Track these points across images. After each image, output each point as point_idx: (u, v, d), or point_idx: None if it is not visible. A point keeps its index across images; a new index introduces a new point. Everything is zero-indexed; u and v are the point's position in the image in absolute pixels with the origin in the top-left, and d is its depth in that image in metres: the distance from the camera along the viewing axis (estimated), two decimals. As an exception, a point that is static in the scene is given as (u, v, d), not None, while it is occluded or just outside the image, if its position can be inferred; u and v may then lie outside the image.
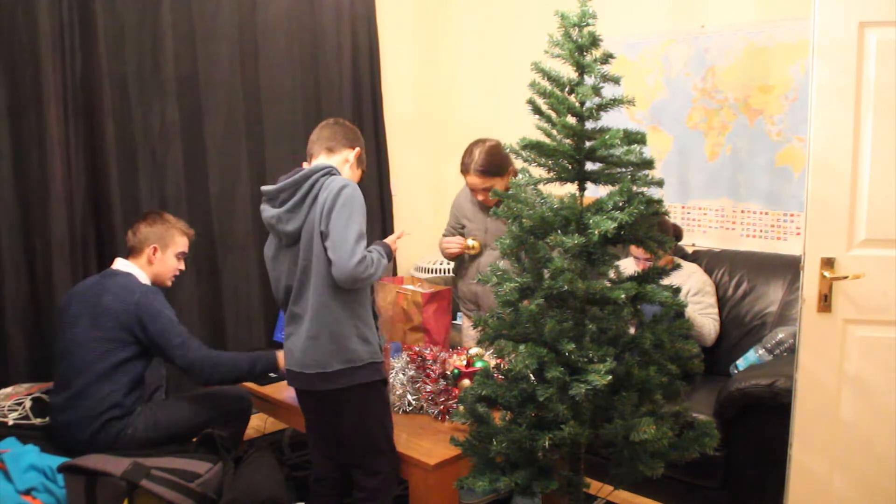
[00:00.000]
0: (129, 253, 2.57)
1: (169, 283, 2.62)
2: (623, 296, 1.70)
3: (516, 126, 2.25)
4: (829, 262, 2.11)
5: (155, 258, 2.55)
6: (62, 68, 2.93)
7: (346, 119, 4.10)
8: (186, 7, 3.31)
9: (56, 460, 2.15)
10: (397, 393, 2.50)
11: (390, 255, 2.18)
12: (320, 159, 2.14)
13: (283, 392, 2.74)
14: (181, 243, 2.63)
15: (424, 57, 4.42)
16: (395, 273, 4.08)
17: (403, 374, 2.52)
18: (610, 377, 1.66)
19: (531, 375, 1.80)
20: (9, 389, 2.57)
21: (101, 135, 3.06)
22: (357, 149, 2.20)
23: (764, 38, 3.10)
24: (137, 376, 2.42)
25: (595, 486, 2.60)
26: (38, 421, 2.43)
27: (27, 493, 2.06)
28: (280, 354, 2.49)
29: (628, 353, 1.82)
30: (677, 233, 3.10)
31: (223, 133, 3.48)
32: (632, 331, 1.91)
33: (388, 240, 2.24)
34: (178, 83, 3.30)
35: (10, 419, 2.39)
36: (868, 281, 2.08)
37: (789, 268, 2.94)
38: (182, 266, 2.66)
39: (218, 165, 3.47)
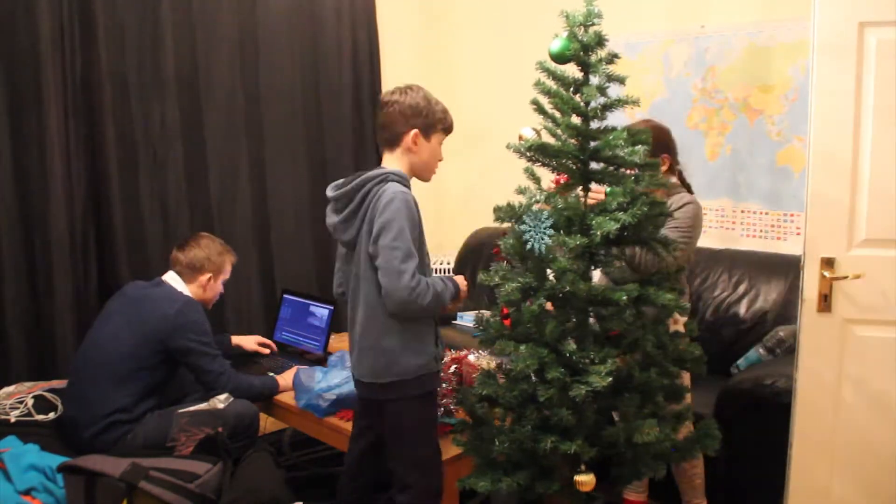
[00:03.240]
0: (178, 272, 2.56)
1: (210, 307, 2.64)
2: (625, 297, 1.70)
3: (517, 126, 2.25)
4: (829, 262, 2.11)
5: (208, 285, 2.58)
6: (62, 68, 2.92)
7: (346, 118, 4.07)
8: (186, 7, 3.30)
9: (56, 460, 2.14)
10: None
11: (457, 292, 2.00)
12: (385, 158, 2.07)
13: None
14: (228, 270, 2.67)
15: (425, 57, 4.41)
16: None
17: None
18: (610, 379, 1.66)
19: (532, 375, 1.80)
20: (10, 388, 2.57)
21: (101, 135, 3.06)
22: (413, 130, 1.99)
23: (764, 38, 3.10)
24: (154, 385, 2.42)
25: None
26: (40, 417, 2.43)
27: (27, 493, 2.06)
28: (279, 380, 2.63)
29: (630, 354, 1.82)
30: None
31: (223, 133, 3.47)
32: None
33: (459, 278, 2.05)
34: (178, 83, 3.29)
35: (13, 417, 2.40)
36: (868, 281, 2.08)
37: (789, 268, 2.94)
38: (222, 290, 2.68)
39: (218, 165, 3.46)
